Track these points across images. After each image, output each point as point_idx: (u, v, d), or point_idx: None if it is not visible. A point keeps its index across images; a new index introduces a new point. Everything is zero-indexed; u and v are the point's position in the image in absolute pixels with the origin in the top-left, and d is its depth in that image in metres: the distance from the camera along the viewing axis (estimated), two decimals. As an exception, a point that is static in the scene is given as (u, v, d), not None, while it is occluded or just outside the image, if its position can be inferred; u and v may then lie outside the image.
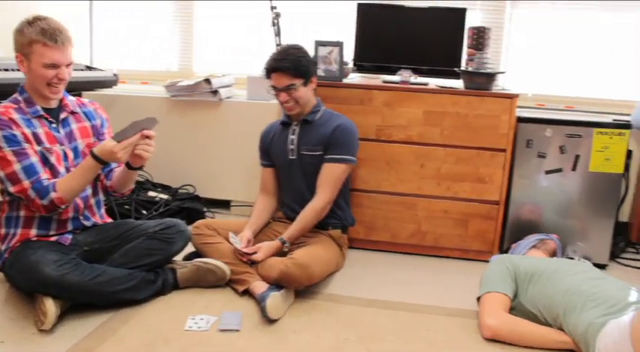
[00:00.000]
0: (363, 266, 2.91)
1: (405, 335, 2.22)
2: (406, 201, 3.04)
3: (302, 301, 2.45)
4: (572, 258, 2.92)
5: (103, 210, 2.52)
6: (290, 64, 2.58)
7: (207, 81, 3.51)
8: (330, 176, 2.64)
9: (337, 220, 2.76)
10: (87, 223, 2.40)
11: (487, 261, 2.99)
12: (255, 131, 2.91)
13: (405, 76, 3.07)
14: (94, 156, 2.16)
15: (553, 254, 2.71)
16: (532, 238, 2.79)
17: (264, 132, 2.88)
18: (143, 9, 4.06)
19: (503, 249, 3.01)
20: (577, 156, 2.98)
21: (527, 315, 2.28)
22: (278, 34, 3.30)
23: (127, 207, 3.21)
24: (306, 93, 2.66)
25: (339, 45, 3.06)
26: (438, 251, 3.10)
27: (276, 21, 3.29)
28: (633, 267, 3.14)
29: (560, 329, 2.17)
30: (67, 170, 2.27)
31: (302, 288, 2.47)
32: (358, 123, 2.95)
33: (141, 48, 4.12)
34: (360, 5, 3.26)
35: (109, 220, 2.55)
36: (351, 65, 3.28)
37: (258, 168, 2.90)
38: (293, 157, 2.73)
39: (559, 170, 3.01)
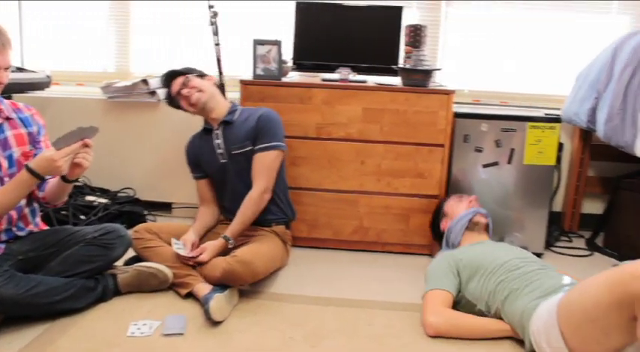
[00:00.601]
0: (307, 264, 2.93)
1: (349, 331, 2.24)
2: (348, 198, 3.07)
3: (247, 301, 2.45)
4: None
5: (38, 218, 2.42)
6: (181, 69, 2.78)
7: (145, 81, 3.46)
8: (262, 165, 2.65)
9: (279, 215, 2.76)
10: (21, 233, 2.31)
11: (429, 255, 3.07)
12: (195, 131, 2.89)
13: (344, 74, 3.10)
14: (30, 171, 2.05)
15: (486, 228, 2.74)
16: (462, 219, 2.72)
17: (188, 146, 2.88)
18: (76, 8, 3.95)
19: (434, 229, 2.96)
20: (512, 150, 3.07)
21: (471, 307, 2.34)
22: (216, 33, 3.27)
23: (64, 212, 3.12)
24: (204, 83, 2.73)
25: (277, 44, 3.05)
26: (381, 246, 3.14)
27: (213, 20, 3.25)
28: (567, 255, 3.26)
29: (501, 318, 2.24)
30: (1, 180, 2.17)
31: (247, 286, 2.46)
32: (298, 121, 2.97)
33: (75, 48, 4.01)
34: (298, 4, 3.26)
35: (46, 227, 2.46)
36: (290, 64, 3.28)
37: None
38: (224, 161, 2.73)
39: (495, 163, 3.09)
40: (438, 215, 2.89)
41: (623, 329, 1.72)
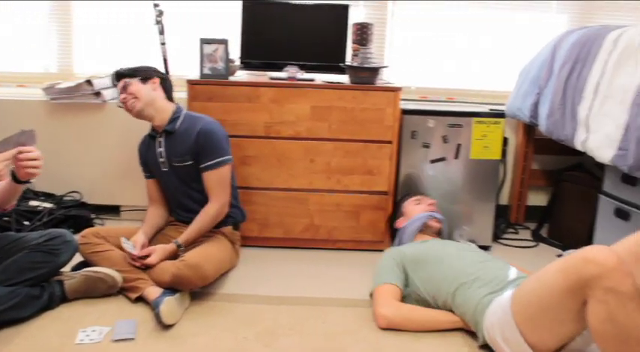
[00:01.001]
0: (258, 264, 2.92)
1: (302, 329, 2.25)
2: (298, 196, 3.07)
3: (199, 303, 2.43)
4: (458, 242, 3.06)
5: (-21, 225, 2.35)
6: (124, 70, 2.68)
7: (89, 82, 3.38)
8: (215, 182, 2.63)
9: (228, 217, 2.74)
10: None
11: (380, 251, 3.10)
12: (143, 132, 2.84)
13: (291, 72, 3.10)
14: None
15: (439, 233, 2.80)
16: (417, 222, 2.80)
17: (140, 145, 2.84)
18: (16, 7, 3.83)
19: (391, 225, 3.04)
20: (459, 145, 3.13)
21: (420, 301, 2.38)
22: (162, 32, 3.23)
23: (6, 218, 3.03)
24: (145, 90, 2.64)
25: (224, 42, 3.03)
26: (332, 243, 3.16)
27: (159, 19, 3.21)
28: (513, 246, 3.35)
29: (451, 310, 2.28)
30: None
31: (197, 289, 2.44)
32: (246, 120, 2.95)
33: (15, 48, 3.89)
34: (245, 2, 3.24)
35: (-13, 235, 2.38)
36: (237, 63, 3.26)
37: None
38: (166, 169, 2.71)
39: (443, 159, 3.15)
40: (395, 213, 2.94)
41: (575, 317, 1.78)
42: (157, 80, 2.70)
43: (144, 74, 2.68)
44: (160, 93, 2.70)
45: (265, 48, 3.29)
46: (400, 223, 2.87)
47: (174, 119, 2.69)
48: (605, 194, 2.95)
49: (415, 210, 2.84)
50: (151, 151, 2.74)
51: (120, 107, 2.70)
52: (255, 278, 2.73)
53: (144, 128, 2.84)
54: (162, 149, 2.69)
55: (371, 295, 2.41)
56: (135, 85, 2.63)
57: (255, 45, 3.29)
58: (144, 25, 3.60)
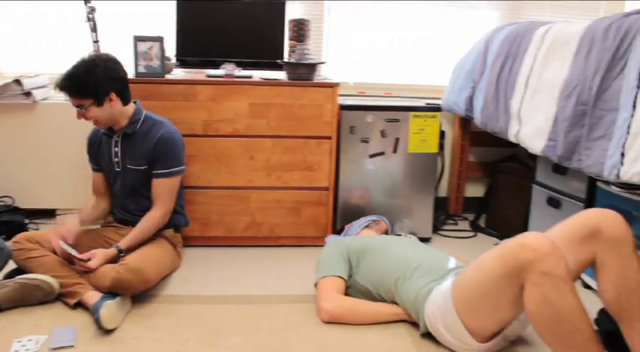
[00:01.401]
0: (201, 264, 2.89)
1: (247, 328, 2.24)
2: (239, 194, 3.05)
3: (140, 306, 2.38)
4: (399, 235, 3.11)
5: None
6: (72, 85, 2.41)
7: (18, 82, 3.27)
8: (164, 190, 2.60)
9: (170, 222, 2.71)
10: None
11: (322, 246, 3.11)
12: (77, 133, 2.78)
13: (228, 69, 3.07)
14: None
15: (384, 234, 2.87)
16: (366, 219, 2.92)
17: (91, 137, 2.74)
18: None
19: (337, 230, 3.13)
20: (397, 139, 3.17)
21: (363, 292, 2.41)
22: (94, 29, 3.14)
23: None
24: (104, 113, 2.49)
25: (159, 40, 2.98)
26: (274, 240, 3.16)
27: (91, 16, 3.12)
28: (453, 237, 3.43)
29: (394, 302, 2.32)
30: None
31: (138, 293, 2.40)
32: (184, 119, 2.91)
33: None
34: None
35: None
36: (173, 60, 3.21)
37: (83, 173, 2.77)
38: (119, 170, 2.65)
39: (382, 153, 3.18)
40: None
41: (513, 301, 1.84)
42: (113, 96, 2.48)
43: (94, 94, 2.43)
44: (117, 104, 2.53)
45: (202, 45, 3.25)
46: (349, 225, 2.95)
47: (133, 121, 2.60)
48: (537, 184, 3.05)
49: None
50: (104, 148, 2.66)
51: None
52: (198, 279, 2.70)
53: (79, 129, 2.77)
54: (118, 149, 2.62)
55: (316, 285, 2.42)
56: (92, 111, 2.45)
57: (191, 42, 3.24)
58: (75, 23, 3.50)
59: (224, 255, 3.04)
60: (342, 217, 3.19)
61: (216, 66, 3.16)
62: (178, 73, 3.26)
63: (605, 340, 1.96)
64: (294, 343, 2.14)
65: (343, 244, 2.53)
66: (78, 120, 2.51)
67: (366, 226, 2.86)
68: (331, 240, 2.66)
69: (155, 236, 2.63)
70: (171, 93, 2.94)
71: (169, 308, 2.39)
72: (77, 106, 2.46)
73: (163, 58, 2.99)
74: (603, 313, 2.13)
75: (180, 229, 2.80)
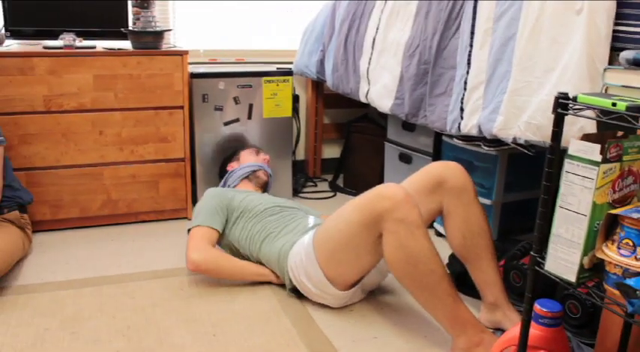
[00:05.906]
0: (55, 249, 2.73)
1: (110, 309, 2.17)
2: (91, 171, 2.91)
3: (-12, 300, 2.23)
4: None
5: None
6: None
7: None
8: None
9: (10, 202, 2.51)
10: None
11: (183, 219, 3.07)
12: None
13: (68, 40, 2.88)
14: None
15: (264, 186, 2.84)
16: (245, 168, 2.83)
17: None
18: None
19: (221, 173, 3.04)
20: (251, 105, 3.16)
21: (232, 250, 2.45)
22: None
23: None
24: None
25: (-16, 10, 2.73)
26: (134, 217, 3.05)
27: None
28: (314, 199, 3.50)
29: (259, 262, 2.36)
30: None
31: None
32: (22, 95, 2.72)
33: None
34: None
35: None
36: (3, 31, 2.96)
37: None
38: None
39: (237, 120, 3.17)
40: (231, 156, 2.97)
41: (372, 249, 1.94)
42: None
43: None
44: None
45: (37, 14, 3.01)
46: (231, 167, 2.90)
47: None
48: (389, 141, 3.19)
49: (249, 159, 2.89)
50: None
51: None
52: (52, 265, 2.56)
53: None
54: None
55: (189, 231, 2.39)
56: None
57: (24, 11, 2.99)
58: None
59: (80, 236, 2.89)
60: (201, 188, 3.15)
61: (55, 36, 2.95)
62: (11, 45, 3.01)
63: (455, 280, 2.13)
64: (161, 319, 2.11)
65: (226, 198, 2.50)
66: None
67: (246, 177, 2.82)
68: (212, 190, 2.60)
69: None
70: (5, 67, 2.70)
71: (22, 299, 2.24)
72: None
73: (-9, 29, 2.75)
74: (453, 257, 2.29)
75: (26, 209, 2.62)
